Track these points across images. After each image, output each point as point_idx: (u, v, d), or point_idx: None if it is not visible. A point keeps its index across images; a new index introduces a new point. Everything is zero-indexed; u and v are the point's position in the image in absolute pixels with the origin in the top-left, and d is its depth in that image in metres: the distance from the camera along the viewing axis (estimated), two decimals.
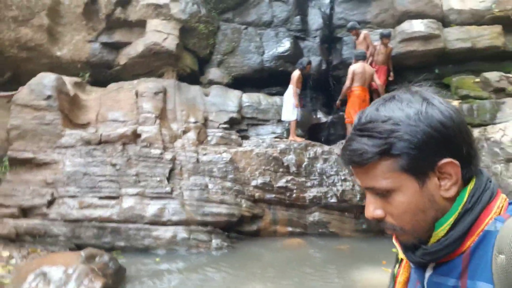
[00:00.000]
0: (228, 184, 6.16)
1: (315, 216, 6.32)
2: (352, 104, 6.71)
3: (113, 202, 5.66)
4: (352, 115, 6.52)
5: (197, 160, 6.23)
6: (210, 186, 6.02)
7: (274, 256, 5.57)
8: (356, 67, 6.59)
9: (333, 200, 6.22)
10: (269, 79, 7.79)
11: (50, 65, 7.23)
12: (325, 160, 6.62)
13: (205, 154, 6.35)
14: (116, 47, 7.45)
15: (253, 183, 6.32)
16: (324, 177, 6.48)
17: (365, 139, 0.76)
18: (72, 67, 7.32)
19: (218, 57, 7.80)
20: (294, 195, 6.33)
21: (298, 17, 7.89)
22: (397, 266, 0.92)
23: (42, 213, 5.54)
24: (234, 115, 7.04)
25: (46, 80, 6.31)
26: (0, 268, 4.60)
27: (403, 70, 7.31)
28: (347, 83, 6.63)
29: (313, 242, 6.06)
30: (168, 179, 5.95)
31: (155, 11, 7.20)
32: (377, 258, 5.25)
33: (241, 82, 7.78)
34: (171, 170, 6.02)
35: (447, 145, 0.75)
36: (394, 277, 0.92)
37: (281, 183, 6.38)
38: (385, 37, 6.87)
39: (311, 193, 6.32)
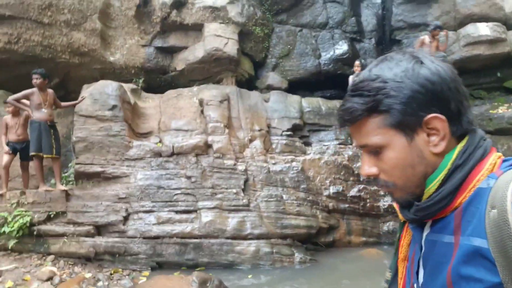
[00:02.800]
0: (302, 194, 6.01)
1: (389, 225, 6.23)
2: None
3: (192, 216, 5.48)
4: None
5: (268, 170, 6.05)
6: (284, 197, 5.87)
7: (356, 267, 5.47)
8: None
9: None
10: (325, 82, 7.61)
11: (102, 71, 6.95)
12: None
13: (275, 164, 6.18)
14: (171, 51, 7.18)
15: (326, 192, 6.19)
16: None
17: (356, 98, 0.79)
18: (125, 72, 7.03)
19: (273, 60, 7.58)
20: (368, 204, 6.22)
21: (353, 18, 7.69)
22: (400, 230, 0.94)
23: (120, 230, 5.33)
24: (297, 121, 6.86)
25: (109, 89, 6.04)
26: None
27: (463, 73, 7.21)
28: None
29: (390, 251, 5.97)
30: (243, 190, 5.77)
31: (212, 14, 6.93)
32: None
33: (294, 86, 7.59)
34: (245, 182, 5.84)
35: (434, 101, 0.76)
36: (398, 241, 0.94)
37: (354, 192, 6.26)
38: (437, 29, 6.59)
39: (385, 201, 6.22)
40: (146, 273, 5.10)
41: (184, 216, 5.47)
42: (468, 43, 6.84)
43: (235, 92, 6.71)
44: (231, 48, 6.73)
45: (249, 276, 4.96)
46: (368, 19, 7.84)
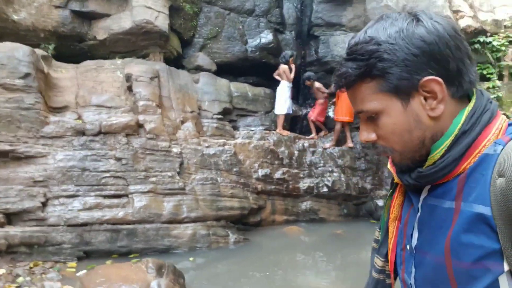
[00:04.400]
0: (234, 177, 6.16)
1: (307, 204, 6.84)
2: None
3: (124, 201, 5.12)
4: (345, 113, 7.08)
5: (202, 153, 6.01)
6: (219, 180, 5.93)
7: (281, 244, 5.93)
8: None
9: (325, 190, 6.82)
10: (249, 69, 7.79)
11: (1, 31, 5.82)
12: (313, 153, 7.15)
13: (208, 147, 6.16)
14: (90, 17, 6.37)
15: (255, 175, 6.45)
16: (313, 168, 7.01)
17: (350, 62, 0.77)
18: (31, 35, 6.01)
19: (201, 40, 7.40)
20: (290, 186, 6.71)
21: (277, 9, 7.99)
22: (391, 191, 0.94)
23: (38, 217, 4.67)
24: (227, 105, 6.91)
25: (19, 53, 5.11)
26: None
27: None
28: None
29: (308, 228, 6.60)
30: (179, 173, 5.63)
31: None
32: (369, 238, 6.14)
33: (220, 69, 7.58)
34: (180, 165, 5.69)
35: (430, 62, 0.73)
36: (389, 202, 0.94)
37: (279, 174, 6.67)
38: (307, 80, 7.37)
39: (304, 183, 6.80)
40: (73, 263, 4.62)
41: (115, 201, 5.09)
42: None
43: (165, 69, 6.38)
44: (162, 22, 6.34)
45: (190, 259, 4.94)
46: (289, 12, 8.25)
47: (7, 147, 4.82)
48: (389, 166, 0.91)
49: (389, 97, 0.75)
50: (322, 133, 7.60)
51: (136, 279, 3.56)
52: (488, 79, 6.79)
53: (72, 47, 6.31)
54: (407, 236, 0.85)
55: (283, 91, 7.10)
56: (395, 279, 0.95)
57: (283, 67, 7.19)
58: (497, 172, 0.68)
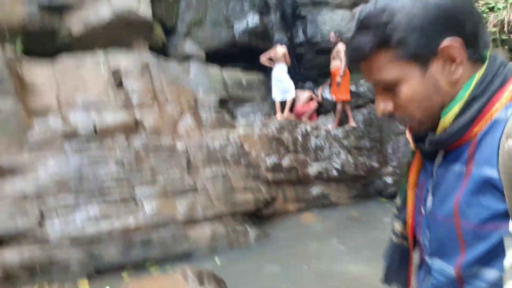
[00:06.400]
0: (244, 169, 5.72)
1: (317, 189, 6.53)
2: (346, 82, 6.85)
3: (132, 206, 4.55)
4: (345, 92, 6.82)
5: (208, 148, 5.52)
6: (229, 173, 5.47)
7: (304, 233, 5.59)
8: (345, 47, 6.81)
9: (335, 173, 6.54)
10: (238, 55, 7.35)
11: None
12: (317, 136, 6.84)
13: (212, 140, 5.67)
14: (60, 9, 5.66)
15: (263, 165, 6.05)
16: (319, 152, 6.71)
17: (363, 34, 0.76)
18: None
19: (183, 26, 6.85)
20: (299, 172, 6.37)
21: None
22: (411, 157, 0.95)
23: (36, 237, 4.01)
24: (223, 94, 6.44)
25: None
26: None
27: None
28: (343, 61, 6.71)
29: (321, 214, 6.29)
30: (187, 171, 5.11)
31: None
32: (381, 217, 5.95)
33: (207, 56, 7.09)
34: (188, 161, 5.18)
35: (447, 26, 0.72)
36: (408, 169, 0.95)
37: (286, 162, 6.30)
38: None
39: (313, 169, 6.48)
40: (85, 282, 4.01)
41: (122, 207, 4.50)
42: None
43: (154, 60, 5.81)
44: (145, 10, 5.76)
45: (217, 262, 4.47)
46: None
47: None
48: (407, 134, 0.90)
49: (407, 65, 0.74)
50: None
51: None
52: None
53: (45, 44, 5.57)
54: (422, 200, 0.87)
55: (285, 74, 6.72)
56: (413, 243, 0.96)
57: (283, 50, 6.82)
58: (506, 135, 0.68)
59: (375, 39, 0.74)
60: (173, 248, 4.56)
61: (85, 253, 4.14)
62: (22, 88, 4.82)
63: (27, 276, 3.87)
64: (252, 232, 5.17)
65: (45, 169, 4.35)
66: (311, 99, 7.63)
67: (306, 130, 6.85)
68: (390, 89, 0.77)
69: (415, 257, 0.97)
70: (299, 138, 6.70)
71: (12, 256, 3.83)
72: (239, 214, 5.28)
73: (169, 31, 6.82)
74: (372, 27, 0.74)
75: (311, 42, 7.69)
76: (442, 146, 0.79)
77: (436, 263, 0.83)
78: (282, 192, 6.20)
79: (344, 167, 6.61)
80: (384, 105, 0.80)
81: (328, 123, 7.08)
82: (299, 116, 7.19)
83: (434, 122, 0.78)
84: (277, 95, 6.81)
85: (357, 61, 0.79)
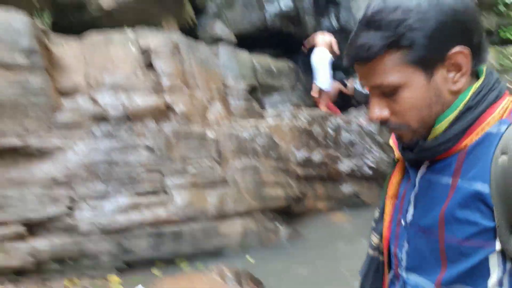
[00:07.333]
0: (273, 163, 5.47)
1: (348, 187, 6.29)
2: None
3: (162, 197, 4.33)
4: None
5: (238, 138, 5.26)
6: (259, 166, 5.22)
7: (336, 233, 5.41)
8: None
9: (368, 171, 6.28)
10: (268, 40, 7.00)
11: None
12: (348, 131, 6.55)
13: (242, 130, 5.40)
14: None
15: (293, 159, 5.79)
16: (351, 147, 6.44)
17: (372, 32, 0.71)
18: (19, 2, 4.89)
19: (214, 8, 6.48)
20: (330, 169, 6.11)
21: None
22: (392, 168, 0.93)
23: (66, 226, 3.81)
24: (253, 81, 6.12)
25: (17, 22, 4.09)
26: None
27: None
28: None
29: (352, 213, 6.06)
30: (218, 162, 4.87)
31: None
32: None
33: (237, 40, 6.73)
34: (218, 151, 4.93)
35: (458, 33, 0.70)
36: (388, 179, 0.92)
37: (317, 157, 6.04)
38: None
39: (345, 165, 6.22)
40: (115, 278, 3.83)
41: (153, 198, 4.28)
42: None
43: (183, 41, 5.47)
44: None
45: (251, 261, 4.28)
46: None
47: (15, 142, 3.87)
48: (390, 142, 0.89)
49: (413, 70, 0.71)
50: None
51: None
52: None
53: (72, 18, 5.24)
54: (403, 211, 0.84)
55: (326, 63, 6.39)
56: (388, 256, 0.92)
57: (331, 38, 6.49)
58: (500, 150, 0.67)
59: (387, 38, 0.69)
60: (204, 243, 4.37)
61: (115, 245, 3.95)
62: (51, 64, 4.53)
63: (57, 268, 3.69)
64: (283, 230, 4.97)
65: (75, 153, 4.11)
66: (340, 91, 7.32)
67: (338, 123, 6.56)
68: (388, 94, 0.74)
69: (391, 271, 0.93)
70: (330, 131, 6.42)
71: (43, 243, 3.63)
72: (269, 210, 5.07)
73: (199, 11, 6.44)
74: (383, 24, 0.69)
75: (344, 29, 7.31)
76: (430, 154, 0.76)
77: (412, 278, 0.80)
78: (312, 188, 5.97)
79: (378, 165, 6.34)
80: (379, 111, 0.76)
81: (360, 117, 6.78)
82: (331, 109, 6.93)
83: (427, 132, 0.75)
84: (321, 83, 6.51)
85: (360, 61, 0.73)
